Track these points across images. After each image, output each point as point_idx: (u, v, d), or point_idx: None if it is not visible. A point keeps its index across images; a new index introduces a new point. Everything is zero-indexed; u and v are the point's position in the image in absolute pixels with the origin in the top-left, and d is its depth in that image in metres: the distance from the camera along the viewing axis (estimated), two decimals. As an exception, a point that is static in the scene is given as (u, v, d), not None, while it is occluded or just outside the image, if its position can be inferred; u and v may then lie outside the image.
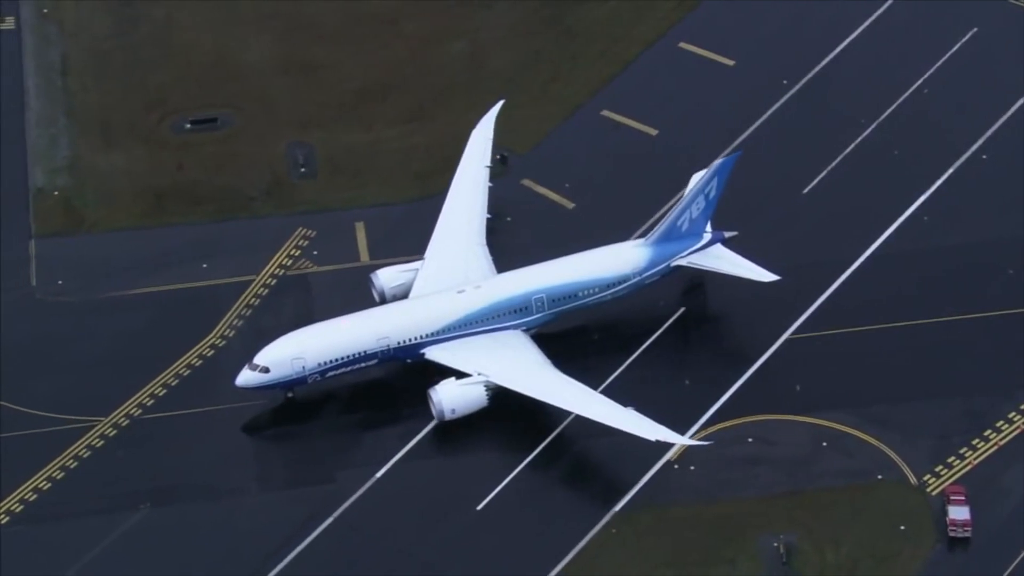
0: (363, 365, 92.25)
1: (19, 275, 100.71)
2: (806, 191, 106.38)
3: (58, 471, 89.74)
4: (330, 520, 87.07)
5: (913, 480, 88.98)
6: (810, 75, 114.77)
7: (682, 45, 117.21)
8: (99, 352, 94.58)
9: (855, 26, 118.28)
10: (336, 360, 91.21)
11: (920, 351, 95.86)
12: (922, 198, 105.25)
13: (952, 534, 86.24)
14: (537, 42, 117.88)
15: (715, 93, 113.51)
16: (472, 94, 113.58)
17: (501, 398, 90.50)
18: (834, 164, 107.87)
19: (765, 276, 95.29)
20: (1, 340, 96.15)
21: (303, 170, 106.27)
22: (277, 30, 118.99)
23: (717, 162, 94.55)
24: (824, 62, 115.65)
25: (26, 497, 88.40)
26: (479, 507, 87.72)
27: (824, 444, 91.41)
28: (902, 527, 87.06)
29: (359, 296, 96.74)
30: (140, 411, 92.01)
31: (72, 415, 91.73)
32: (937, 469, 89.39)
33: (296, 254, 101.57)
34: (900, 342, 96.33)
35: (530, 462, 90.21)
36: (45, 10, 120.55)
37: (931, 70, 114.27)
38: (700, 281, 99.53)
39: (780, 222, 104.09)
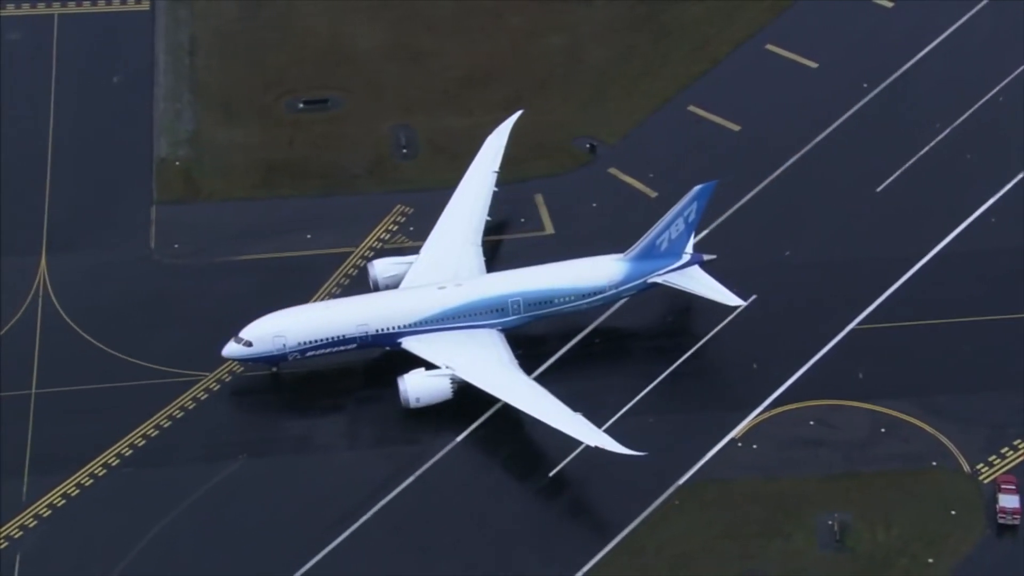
0: (342, 348, 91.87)
1: (140, 238, 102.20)
2: (879, 189, 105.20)
3: (166, 420, 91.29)
4: (411, 479, 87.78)
5: (966, 468, 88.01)
6: (890, 79, 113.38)
7: (768, 47, 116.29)
8: (208, 312, 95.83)
9: (937, 33, 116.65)
10: (315, 341, 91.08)
11: (981, 347, 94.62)
12: (991, 201, 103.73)
13: (1001, 521, 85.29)
14: (631, 38, 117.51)
15: (797, 93, 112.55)
16: (567, 85, 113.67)
17: (464, 392, 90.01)
18: (908, 165, 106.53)
19: (733, 300, 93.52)
20: (121, 297, 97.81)
21: (404, 151, 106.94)
22: (389, 19, 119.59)
23: (696, 188, 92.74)
24: (905, 67, 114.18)
25: (136, 442, 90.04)
26: (551, 473, 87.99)
27: (882, 430, 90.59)
28: (953, 512, 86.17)
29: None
30: (242, 368, 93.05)
31: (181, 369, 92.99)
32: (990, 459, 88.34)
33: (394, 229, 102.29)
34: (962, 337, 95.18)
35: (603, 432, 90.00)
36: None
37: (1008, 79, 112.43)
38: (770, 271, 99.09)
39: (853, 217, 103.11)
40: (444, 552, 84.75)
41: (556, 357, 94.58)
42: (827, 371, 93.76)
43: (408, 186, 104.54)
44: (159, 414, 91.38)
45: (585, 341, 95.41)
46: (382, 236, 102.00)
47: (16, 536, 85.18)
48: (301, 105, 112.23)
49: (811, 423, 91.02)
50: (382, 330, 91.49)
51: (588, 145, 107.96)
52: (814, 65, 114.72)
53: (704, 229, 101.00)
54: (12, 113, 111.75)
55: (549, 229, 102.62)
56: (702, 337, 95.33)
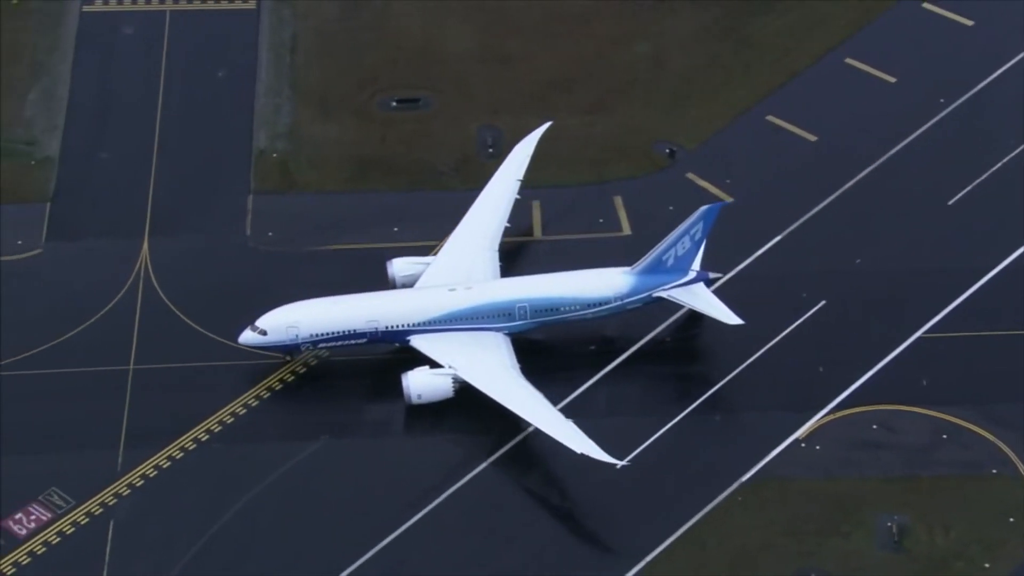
0: (353, 342, 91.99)
1: (236, 225, 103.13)
2: (951, 202, 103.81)
3: (253, 399, 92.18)
4: (484, 465, 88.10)
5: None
6: (967, 95, 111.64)
7: (848, 60, 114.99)
8: (298, 297, 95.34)
9: (1016, 52, 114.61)
10: (327, 334, 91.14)
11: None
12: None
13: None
14: (714, 48, 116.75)
15: (874, 107, 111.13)
16: (650, 91, 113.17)
17: (466, 392, 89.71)
18: (980, 180, 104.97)
19: (732, 319, 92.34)
20: (217, 280, 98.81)
21: (490, 150, 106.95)
22: (480, 22, 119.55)
23: (702, 208, 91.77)
24: (982, 84, 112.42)
25: (224, 419, 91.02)
26: (619, 465, 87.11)
27: (944, 436, 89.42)
28: (1011, 519, 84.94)
29: (524, 265, 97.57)
30: (328, 353, 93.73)
31: (270, 351, 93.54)
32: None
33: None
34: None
35: (672, 427, 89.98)
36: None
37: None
38: (840, 278, 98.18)
39: (924, 229, 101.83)
40: (510, 537, 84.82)
41: (627, 354, 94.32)
42: (892, 377, 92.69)
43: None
44: (247, 393, 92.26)
45: (656, 339, 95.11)
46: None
47: (110, 503, 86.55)
48: (394, 104, 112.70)
49: (874, 427, 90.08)
50: (391, 327, 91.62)
51: (668, 150, 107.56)
52: (892, 80, 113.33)
53: (777, 235, 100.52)
54: (123, 103, 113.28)
55: (627, 230, 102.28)
56: (770, 340, 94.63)
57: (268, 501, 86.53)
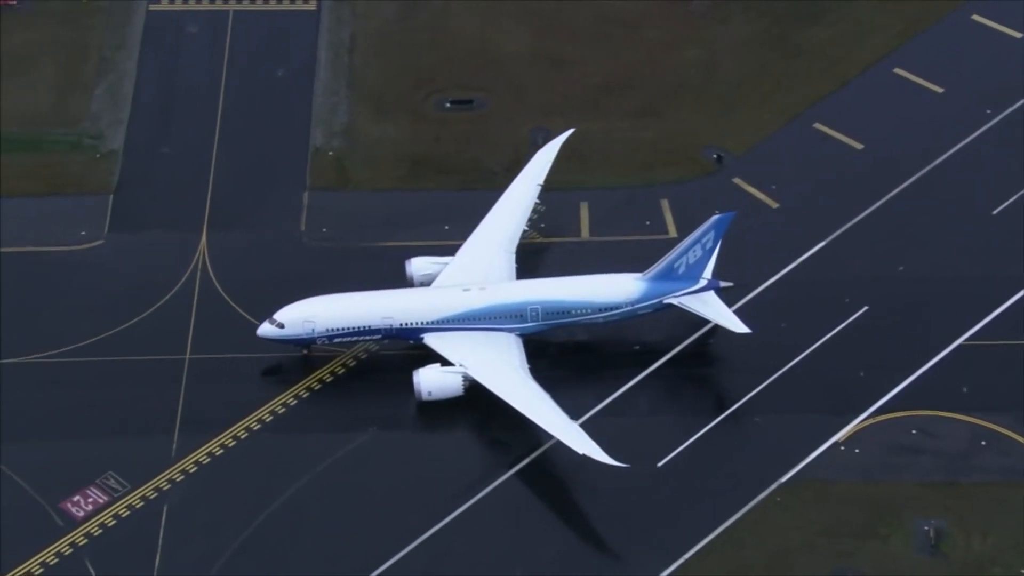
0: (368, 338, 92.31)
1: (292, 220, 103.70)
2: (996, 212, 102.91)
3: (304, 391, 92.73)
4: (525, 462, 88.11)
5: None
6: (1014, 107, 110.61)
7: (896, 71, 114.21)
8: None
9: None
10: (342, 329, 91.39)
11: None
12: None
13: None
14: (764, 56, 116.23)
15: (921, 116, 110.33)
16: (700, 97, 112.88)
17: (475, 389, 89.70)
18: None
19: (740, 328, 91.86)
20: (272, 274, 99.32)
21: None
22: (535, 26, 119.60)
23: (714, 218, 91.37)
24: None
25: (276, 410, 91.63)
26: (660, 463, 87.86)
27: (983, 443, 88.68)
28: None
29: (572, 264, 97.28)
30: (378, 347, 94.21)
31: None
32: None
33: (526, 226, 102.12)
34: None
35: (713, 428, 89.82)
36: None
37: None
38: (883, 284, 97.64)
39: (968, 237, 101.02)
40: (549, 532, 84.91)
41: (669, 356, 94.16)
42: (932, 383, 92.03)
43: (542, 185, 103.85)
44: (299, 384, 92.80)
45: (700, 341, 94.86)
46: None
47: (164, 488, 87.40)
48: (448, 104, 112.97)
49: (913, 432, 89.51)
50: (406, 324, 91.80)
51: (715, 155, 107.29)
52: (940, 90, 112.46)
53: (821, 241, 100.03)
54: (186, 100, 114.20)
55: (672, 232, 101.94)
56: (813, 344, 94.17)
57: (315, 491, 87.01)
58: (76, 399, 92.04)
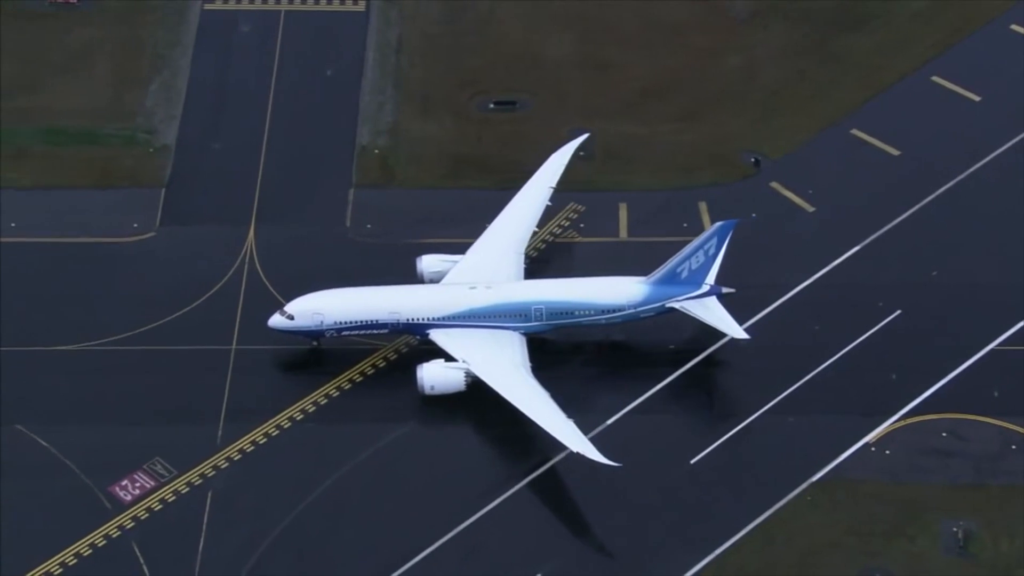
0: (375, 332, 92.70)
1: (337, 216, 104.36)
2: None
3: (346, 383, 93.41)
4: (557, 459, 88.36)
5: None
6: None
7: (934, 79, 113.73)
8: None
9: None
10: (350, 322, 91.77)
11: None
12: None
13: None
14: (804, 63, 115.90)
15: (958, 124, 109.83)
16: (740, 102, 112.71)
17: (477, 386, 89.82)
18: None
19: (740, 334, 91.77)
20: (317, 269, 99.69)
21: (582, 153, 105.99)
22: (579, 29, 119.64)
23: (716, 224, 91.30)
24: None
25: (319, 400, 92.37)
26: (693, 461, 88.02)
27: (1013, 447, 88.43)
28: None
29: (612, 264, 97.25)
30: (418, 341, 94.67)
31: (378, 341, 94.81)
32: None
33: (565, 224, 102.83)
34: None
35: (746, 426, 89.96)
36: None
37: None
38: (917, 289, 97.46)
39: (1002, 244, 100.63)
40: (585, 525, 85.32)
41: (704, 355, 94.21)
42: (964, 387, 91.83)
43: (582, 186, 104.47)
44: (341, 376, 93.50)
45: (734, 340, 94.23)
46: (554, 230, 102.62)
47: (209, 475, 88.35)
48: (491, 105, 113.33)
49: (943, 434, 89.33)
50: (412, 320, 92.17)
51: (753, 159, 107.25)
52: (977, 98, 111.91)
53: (856, 245, 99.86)
54: (237, 97, 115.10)
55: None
56: (846, 346, 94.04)
57: (355, 480, 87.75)
58: (126, 386, 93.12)
